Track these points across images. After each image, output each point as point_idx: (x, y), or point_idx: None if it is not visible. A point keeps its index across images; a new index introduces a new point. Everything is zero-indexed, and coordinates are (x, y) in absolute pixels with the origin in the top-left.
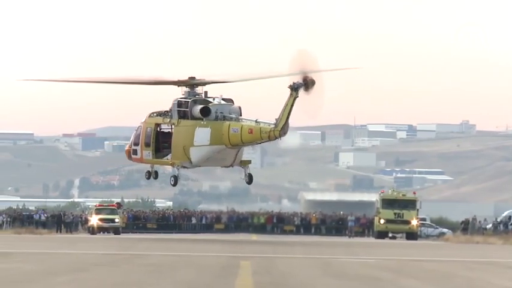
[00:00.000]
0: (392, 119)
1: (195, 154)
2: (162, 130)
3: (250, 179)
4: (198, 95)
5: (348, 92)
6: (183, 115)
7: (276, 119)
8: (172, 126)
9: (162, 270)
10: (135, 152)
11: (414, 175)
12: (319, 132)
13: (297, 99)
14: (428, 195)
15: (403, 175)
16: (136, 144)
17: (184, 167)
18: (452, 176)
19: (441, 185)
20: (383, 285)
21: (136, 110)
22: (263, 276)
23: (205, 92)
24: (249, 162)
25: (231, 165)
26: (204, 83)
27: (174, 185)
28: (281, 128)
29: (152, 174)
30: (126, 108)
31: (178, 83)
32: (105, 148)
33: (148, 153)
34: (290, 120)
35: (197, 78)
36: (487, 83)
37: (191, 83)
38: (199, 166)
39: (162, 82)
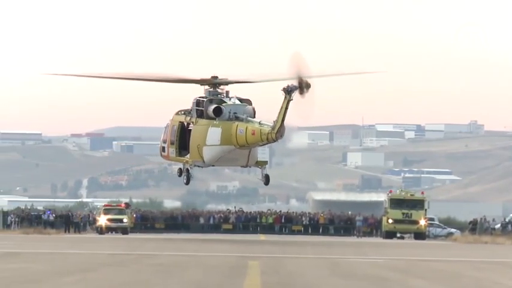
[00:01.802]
0: (401, 119)
1: (207, 153)
2: (186, 128)
3: (267, 180)
4: (219, 95)
5: (356, 92)
6: (200, 114)
7: (274, 121)
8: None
9: (171, 270)
10: (163, 149)
11: (422, 175)
12: (327, 132)
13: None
14: (436, 195)
15: (411, 175)
16: (164, 141)
17: (199, 166)
18: (460, 176)
19: (449, 185)
20: (391, 285)
21: (144, 110)
22: (271, 276)
23: (227, 92)
24: (266, 163)
25: (247, 166)
26: (226, 83)
27: (187, 183)
28: (277, 131)
29: (184, 172)
30: (135, 109)
31: (201, 82)
32: (113, 148)
33: (172, 151)
34: (298, 121)
35: (220, 77)
36: (495, 83)
37: (213, 83)
38: (213, 165)
39: (185, 80)
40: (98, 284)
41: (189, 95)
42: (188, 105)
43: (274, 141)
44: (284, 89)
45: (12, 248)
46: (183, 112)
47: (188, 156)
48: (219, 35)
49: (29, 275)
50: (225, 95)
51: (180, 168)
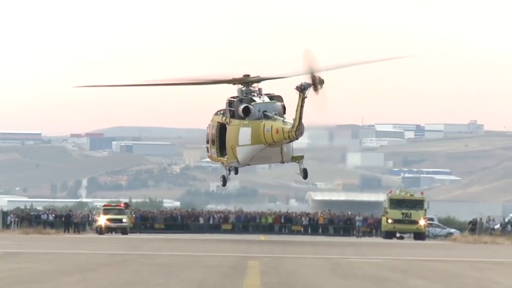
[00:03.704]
0: (400, 119)
1: (240, 153)
2: (225, 128)
3: (305, 174)
4: (252, 93)
5: (356, 92)
6: (232, 114)
7: (293, 119)
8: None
9: (171, 270)
10: (207, 149)
11: (422, 175)
12: (327, 132)
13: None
14: (436, 195)
15: (411, 175)
16: (207, 142)
17: (235, 167)
18: (460, 176)
19: (449, 185)
20: (391, 285)
21: (144, 110)
22: (271, 276)
23: (260, 89)
24: (302, 157)
25: (283, 162)
26: (258, 80)
27: (223, 185)
28: (296, 129)
29: (232, 170)
30: (134, 109)
31: (233, 81)
32: (113, 148)
33: (214, 151)
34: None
35: (251, 75)
36: (495, 82)
37: (245, 81)
38: (248, 165)
39: (217, 81)
40: (98, 284)
41: (191, 95)
42: (189, 105)
43: (295, 138)
44: (297, 87)
45: (12, 248)
46: (221, 112)
47: (227, 156)
48: (225, 33)
49: (29, 275)
50: (258, 92)
51: (229, 168)
